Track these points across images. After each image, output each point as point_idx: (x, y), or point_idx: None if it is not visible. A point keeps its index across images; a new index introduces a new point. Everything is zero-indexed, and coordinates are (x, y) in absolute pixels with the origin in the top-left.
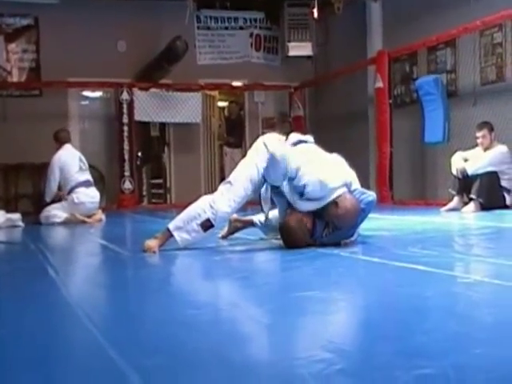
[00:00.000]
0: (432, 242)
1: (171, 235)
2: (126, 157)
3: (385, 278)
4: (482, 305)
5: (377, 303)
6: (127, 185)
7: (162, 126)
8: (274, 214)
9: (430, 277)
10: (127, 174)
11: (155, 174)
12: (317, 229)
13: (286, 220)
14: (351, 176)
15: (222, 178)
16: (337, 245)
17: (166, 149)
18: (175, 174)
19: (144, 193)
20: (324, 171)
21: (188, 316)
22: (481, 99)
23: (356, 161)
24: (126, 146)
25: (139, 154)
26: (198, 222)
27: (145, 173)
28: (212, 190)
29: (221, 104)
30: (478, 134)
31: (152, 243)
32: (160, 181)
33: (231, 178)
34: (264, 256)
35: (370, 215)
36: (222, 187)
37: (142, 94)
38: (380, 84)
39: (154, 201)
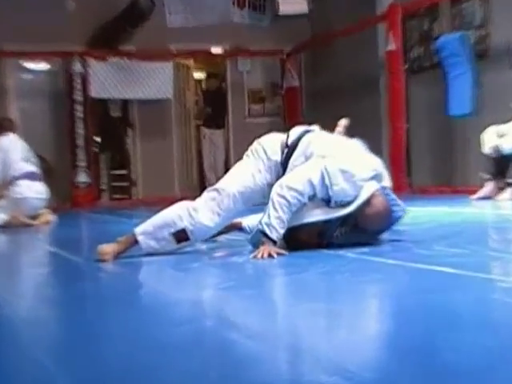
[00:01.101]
0: (461, 238)
1: (136, 241)
2: (80, 143)
3: (403, 284)
4: None
5: (395, 314)
6: (82, 177)
7: (125, 103)
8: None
9: (460, 281)
10: (82, 164)
11: (117, 164)
12: (330, 228)
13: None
14: (381, 166)
15: (200, 167)
16: (343, 245)
17: (129, 132)
18: (142, 163)
19: (103, 187)
20: (347, 161)
21: (164, 335)
22: None
23: (365, 141)
24: (80, 130)
25: (96, 138)
26: (172, 230)
27: (104, 162)
28: (188, 181)
29: (197, 75)
30: None
31: (107, 248)
32: (123, 172)
33: (219, 185)
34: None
35: None
36: (206, 195)
37: (98, 65)
38: (393, 46)
39: (116, 196)
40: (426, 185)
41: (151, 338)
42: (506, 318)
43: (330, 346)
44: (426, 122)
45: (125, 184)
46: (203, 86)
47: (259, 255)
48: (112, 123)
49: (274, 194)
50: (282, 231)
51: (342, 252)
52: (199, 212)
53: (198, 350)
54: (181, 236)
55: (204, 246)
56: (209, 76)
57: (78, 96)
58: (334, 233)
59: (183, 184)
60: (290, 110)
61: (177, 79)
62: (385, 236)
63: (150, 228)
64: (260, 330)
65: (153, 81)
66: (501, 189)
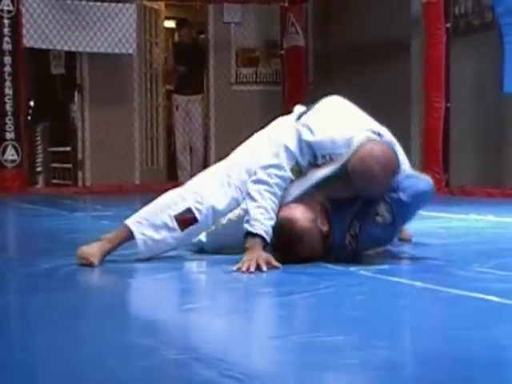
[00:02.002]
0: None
1: (129, 236)
2: (9, 108)
3: (435, 315)
4: None
5: (425, 354)
6: (10, 154)
7: (71, 57)
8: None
9: (508, 314)
10: (10, 136)
11: (58, 138)
12: (335, 233)
13: (288, 215)
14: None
15: (169, 147)
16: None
17: (76, 96)
18: (92, 139)
19: (39, 168)
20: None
21: (120, 370)
22: None
23: (390, 123)
24: (8, 90)
25: (31, 103)
26: (173, 212)
27: (40, 135)
28: (153, 165)
29: (169, 24)
30: None
31: (92, 249)
32: (66, 149)
33: (224, 166)
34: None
35: None
36: (205, 177)
37: (35, 3)
38: None
39: (55, 181)
40: (469, 184)
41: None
42: None
43: None
44: (473, 102)
45: (68, 165)
46: (176, 37)
47: (244, 267)
48: (52, 84)
49: (248, 186)
50: (268, 223)
51: (353, 269)
52: (205, 192)
53: None
54: (186, 218)
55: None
56: (181, 23)
57: (6, 46)
58: (343, 240)
59: (146, 169)
60: (292, 76)
61: (142, 28)
62: (411, 250)
63: (144, 215)
64: (237, 368)
65: (109, 29)
66: None
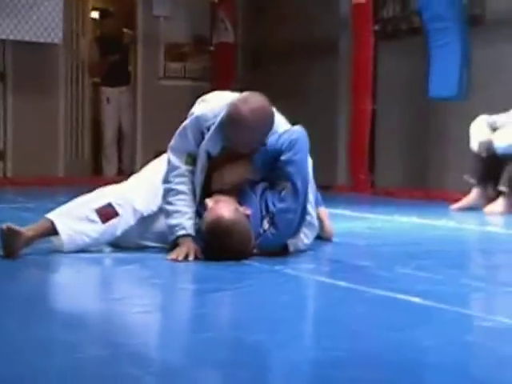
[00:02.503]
0: (434, 260)
1: (51, 229)
2: None
3: (357, 315)
4: None
5: (347, 354)
6: None
7: None
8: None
9: (430, 315)
10: None
11: None
12: (252, 219)
13: (216, 216)
14: None
15: (95, 139)
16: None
17: None
18: (14, 129)
19: None
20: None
21: (38, 363)
22: None
23: (317, 123)
24: None
25: None
26: (93, 205)
27: None
28: (78, 157)
29: (97, 15)
30: None
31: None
32: None
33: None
34: (158, 270)
35: (334, 211)
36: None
37: None
38: None
39: None
40: (394, 186)
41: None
42: (484, 368)
43: None
44: (399, 104)
45: None
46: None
47: (173, 256)
48: None
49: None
50: (187, 222)
51: (278, 267)
52: (127, 190)
53: None
54: (107, 211)
55: (108, 249)
56: (104, 15)
57: None
58: (260, 227)
59: (71, 161)
60: (221, 72)
61: (68, 17)
62: (335, 251)
63: (65, 208)
64: (159, 365)
65: (34, 17)
66: (491, 198)
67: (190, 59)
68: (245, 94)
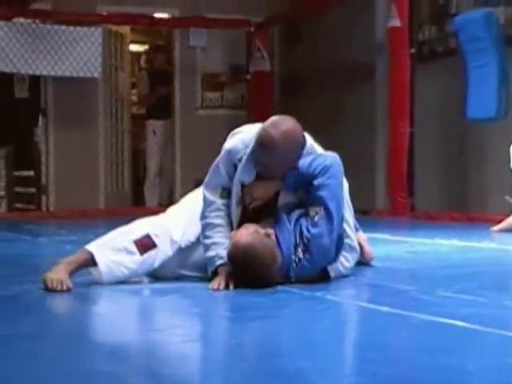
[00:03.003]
0: (477, 283)
1: (90, 260)
2: None
3: (400, 340)
4: None
5: (392, 380)
6: None
7: (35, 81)
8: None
9: (474, 339)
10: None
11: (22, 162)
12: (284, 245)
13: (233, 241)
14: None
15: (134, 171)
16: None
17: (40, 120)
18: (56, 163)
19: (1, 193)
20: None
21: None
22: None
23: (355, 148)
24: None
25: None
26: (131, 237)
27: (4, 160)
28: (118, 190)
29: (135, 48)
30: None
31: (58, 273)
32: (30, 173)
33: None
34: (197, 299)
35: (374, 235)
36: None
37: None
38: (396, 22)
39: (18, 206)
40: (433, 209)
41: None
42: None
43: None
44: (436, 127)
45: (31, 190)
46: (142, 63)
47: (215, 286)
48: (16, 107)
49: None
50: (223, 252)
51: (319, 294)
52: (163, 220)
53: None
54: (145, 243)
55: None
56: (156, 49)
57: None
58: (294, 255)
59: (111, 194)
60: (258, 100)
61: (107, 52)
62: (376, 275)
63: (104, 240)
64: None
65: (74, 53)
66: None
67: (226, 88)
68: (274, 117)
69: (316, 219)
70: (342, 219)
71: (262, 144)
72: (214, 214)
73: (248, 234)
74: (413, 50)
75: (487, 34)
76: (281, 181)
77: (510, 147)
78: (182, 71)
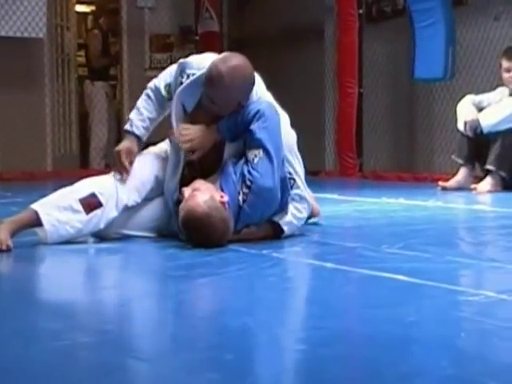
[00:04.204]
0: (421, 239)
1: (35, 220)
2: None
3: (343, 295)
4: (499, 336)
5: (335, 333)
6: None
7: None
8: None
9: (417, 292)
10: None
11: None
12: (229, 196)
13: (189, 207)
14: None
15: (83, 134)
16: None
17: None
18: (1, 125)
19: None
20: None
21: (26, 352)
22: (509, 10)
23: (303, 108)
24: None
25: None
26: (77, 196)
27: None
28: (66, 151)
29: (81, 8)
30: (506, 65)
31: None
32: None
33: None
34: (143, 258)
35: (322, 195)
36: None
37: None
38: None
39: None
40: (382, 169)
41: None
42: (474, 342)
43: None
44: (385, 87)
45: None
46: (92, 23)
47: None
48: None
49: None
50: (139, 123)
51: (265, 251)
52: (109, 180)
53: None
54: (90, 202)
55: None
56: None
57: None
58: (237, 201)
59: (59, 156)
60: None
61: (52, 11)
62: (323, 233)
63: (49, 199)
64: (144, 350)
65: (18, 12)
66: (477, 178)
67: (175, 49)
68: (226, 53)
69: (256, 161)
70: (282, 162)
71: (210, 77)
72: (152, 84)
73: (204, 201)
74: (361, 11)
75: None
76: (216, 129)
77: (456, 107)
78: (130, 32)
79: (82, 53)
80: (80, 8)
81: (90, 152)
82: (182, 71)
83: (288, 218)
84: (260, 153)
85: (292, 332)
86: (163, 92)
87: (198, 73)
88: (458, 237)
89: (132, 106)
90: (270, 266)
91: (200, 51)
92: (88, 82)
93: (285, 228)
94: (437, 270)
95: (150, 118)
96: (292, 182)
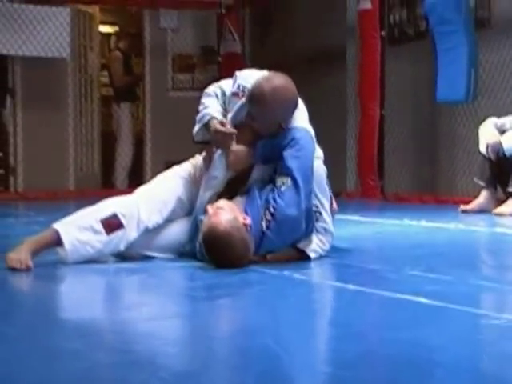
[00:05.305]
0: (444, 262)
1: (55, 240)
2: None
3: (365, 317)
4: None
5: (357, 355)
6: None
7: (2, 61)
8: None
9: (440, 315)
10: None
11: None
12: (252, 220)
13: (211, 225)
14: None
15: (105, 154)
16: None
17: (8, 100)
18: (24, 145)
19: None
20: None
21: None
22: None
23: (325, 129)
24: None
25: None
26: (98, 216)
27: None
28: (88, 171)
29: (104, 29)
30: None
31: (19, 252)
32: None
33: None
34: (165, 279)
35: (344, 217)
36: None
37: None
38: (368, 4)
39: None
40: (403, 191)
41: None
42: (499, 365)
43: None
44: (407, 109)
45: None
46: (114, 44)
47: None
48: None
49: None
50: (205, 111)
51: (286, 272)
52: (132, 201)
53: None
54: (111, 222)
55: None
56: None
57: None
58: (260, 226)
59: (81, 175)
60: None
61: (76, 32)
62: (345, 254)
63: (70, 218)
64: (168, 370)
65: (42, 32)
66: (499, 200)
67: (197, 70)
68: (271, 72)
69: (283, 189)
70: (310, 193)
71: (253, 94)
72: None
73: (227, 220)
74: (383, 33)
75: (457, 17)
76: (252, 153)
77: (479, 130)
78: (153, 53)
79: (105, 73)
80: (103, 28)
81: (116, 168)
82: (234, 81)
83: (313, 246)
84: (288, 181)
85: (314, 354)
86: (220, 101)
87: (249, 86)
88: (479, 260)
89: (154, 125)
90: (291, 287)
91: (222, 72)
92: (115, 105)
93: (311, 254)
94: (458, 292)
95: (221, 112)
96: (318, 215)
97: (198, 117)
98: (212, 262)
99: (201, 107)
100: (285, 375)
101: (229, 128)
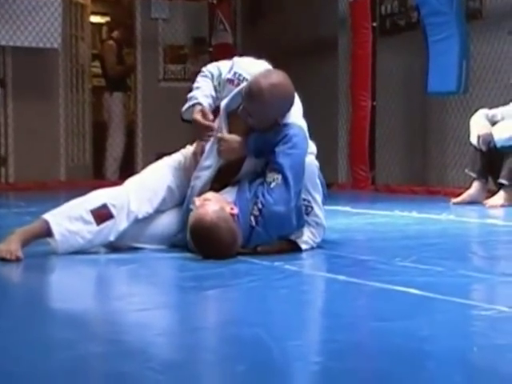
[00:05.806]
0: (434, 253)
1: (45, 230)
2: None
3: (355, 307)
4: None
5: (347, 346)
6: None
7: None
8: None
9: (429, 306)
10: None
11: None
12: (240, 212)
13: (198, 216)
14: None
15: (96, 145)
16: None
17: None
18: (15, 135)
19: None
20: None
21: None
22: None
23: (317, 121)
24: None
25: None
26: (88, 206)
27: None
28: (79, 161)
29: (96, 19)
30: None
31: (8, 243)
32: None
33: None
34: (155, 269)
35: (335, 207)
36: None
37: None
38: None
39: None
40: (394, 182)
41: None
42: (488, 356)
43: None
44: (398, 101)
45: None
46: (106, 34)
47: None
48: None
49: None
50: (203, 99)
51: (277, 263)
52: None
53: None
54: (102, 213)
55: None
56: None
57: None
58: (249, 220)
59: (72, 166)
60: None
61: (67, 22)
62: (336, 247)
63: (60, 209)
64: (157, 360)
65: (33, 22)
66: (490, 192)
67: (189, 60)
68: (268, 68)
69: (272, 186)
70: (300, 191)
71: (250, 91)
72: (209, 75)
73: (213, 211)
74: (375, 24)
75: (449, 8)
76: (245, 144)
77: (470, 121)
78: (144, 43)
79: (97, 63)
80: (95, 19)
81: (107, 159)
82: (231, 68)
83: (304, 238)
84: (279, 178)
85: (304, 344)
86: (215, 82)
87: (246, 76)
88: (470, 251)
89: (145, 116)
90: (282, 278)
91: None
92: (106, 94)
93: (302, 246)
94: (449, 283)
95: (212, 96)
96: (310, 209)
97: (189, 96)
98: (200, 253)
99: (194, 85)
100: (275, 365)
101: (207, 121)
